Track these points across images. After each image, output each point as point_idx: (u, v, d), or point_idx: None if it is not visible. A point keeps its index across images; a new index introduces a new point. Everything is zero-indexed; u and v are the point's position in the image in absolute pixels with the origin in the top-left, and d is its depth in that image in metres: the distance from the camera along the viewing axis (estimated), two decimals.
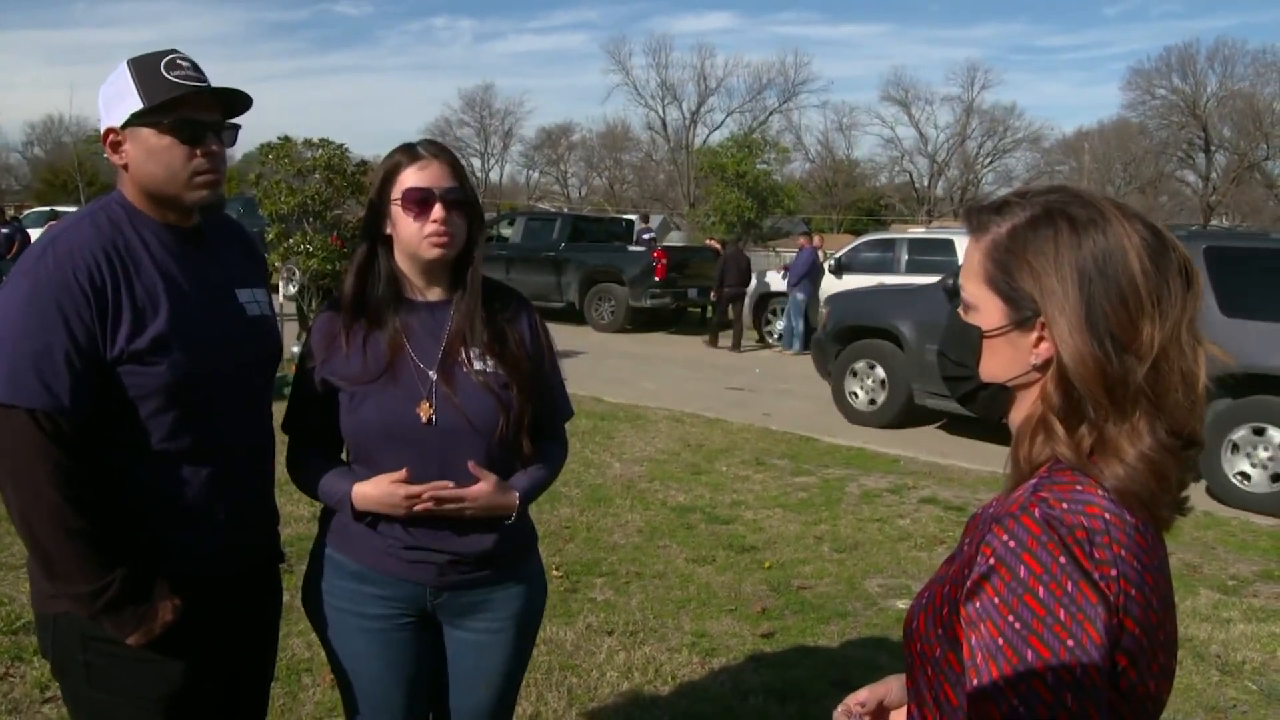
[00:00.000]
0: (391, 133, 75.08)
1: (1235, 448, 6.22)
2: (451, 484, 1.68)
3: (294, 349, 6.67)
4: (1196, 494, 0.98)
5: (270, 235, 9.26)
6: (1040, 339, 0.99)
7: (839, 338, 8.62)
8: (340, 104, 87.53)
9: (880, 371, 8.29)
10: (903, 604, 4.11)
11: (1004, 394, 1.06)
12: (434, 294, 1.78)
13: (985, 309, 1.04)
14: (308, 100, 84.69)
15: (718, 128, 47.35)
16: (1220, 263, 6.16)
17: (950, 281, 7.50)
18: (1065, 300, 0.96)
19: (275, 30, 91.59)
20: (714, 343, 13.77)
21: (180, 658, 1.62)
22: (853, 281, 12.18)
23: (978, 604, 0.92)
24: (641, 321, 15.21)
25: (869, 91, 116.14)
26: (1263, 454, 6.13)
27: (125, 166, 1.60)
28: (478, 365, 1.73)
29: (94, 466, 1.53)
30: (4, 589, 3.79)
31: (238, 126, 1.68)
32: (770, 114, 48.38)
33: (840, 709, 1.30)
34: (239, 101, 1.65)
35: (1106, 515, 0.93)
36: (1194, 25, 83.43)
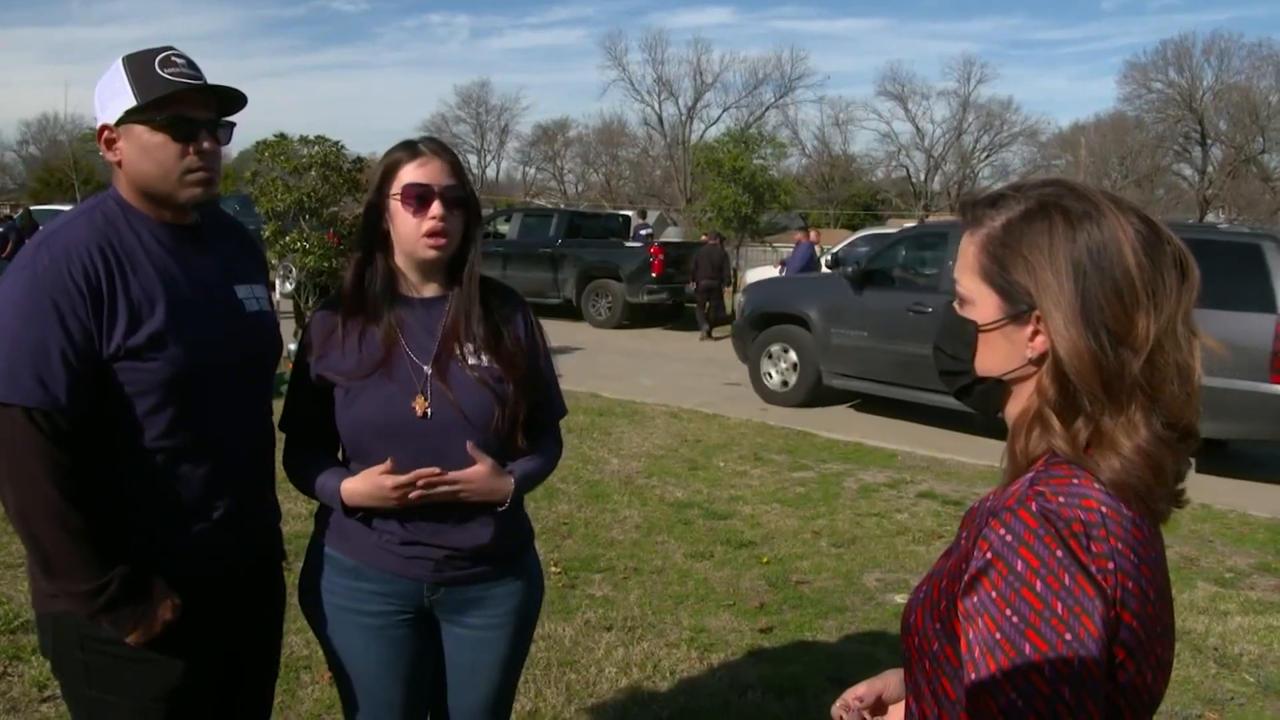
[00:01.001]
0: (388, 129, 75.00)
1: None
2: (438, 470, 1.66)
3: (291, 346, 6.69)
4: (1194, 488, 0.97)
5: (266, 233, 9.25)
6: (1035, 333, 0.99)
7: (755, 324, 9.23)
8: (336, 101, 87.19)
9: (793, 355, 8.90)
10: (900, 598, 4.12)
11: (1000, 388, 1.06)
12: (430, 290, 1.78)
13: (980, 303, 1.04)
14: (304, 97, 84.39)
15: (714, 123, 47.15)
16: None
17: (852, 271, 8.62)
18: (1060, 294, 0.96)
19: (271, 27, 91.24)
20: (709, 335, 13.87)
21: (180, 657, 1.61)
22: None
23: (975, 598, 0.92)
24: (639, 317, 15.22)
25: (865, 86, 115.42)
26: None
27: (119, 163, 1.60)
28: (473, 360, 1.73)
29: (92, 464, 1.52)
30: (2, 588, 3.78)
31: (232, 124, 1.67)
32: (767, 109, 48.14)
33: (838, 704, 1.30)
34: (234, 99, 1.64)
35: (1103, 508, 0.93)
36: (1190, 19, 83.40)
